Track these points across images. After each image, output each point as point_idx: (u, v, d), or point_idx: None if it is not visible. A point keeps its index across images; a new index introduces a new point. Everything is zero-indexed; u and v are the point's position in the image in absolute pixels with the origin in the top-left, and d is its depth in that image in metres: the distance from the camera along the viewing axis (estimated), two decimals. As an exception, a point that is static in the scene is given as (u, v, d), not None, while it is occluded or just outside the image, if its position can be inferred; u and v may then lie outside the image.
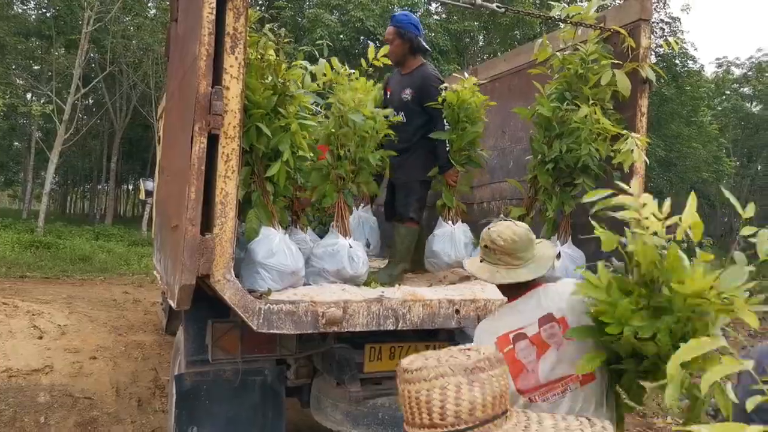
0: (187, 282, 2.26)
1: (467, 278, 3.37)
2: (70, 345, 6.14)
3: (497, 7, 3.14)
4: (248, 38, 2.53)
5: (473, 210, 4.51)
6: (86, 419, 4.30)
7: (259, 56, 2.80)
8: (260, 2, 19.93)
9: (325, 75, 3.17)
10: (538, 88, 3.35)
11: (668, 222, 1.61)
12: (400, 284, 3.26)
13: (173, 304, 2.55)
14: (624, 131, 2.95)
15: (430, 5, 21.79)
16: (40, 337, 6.30)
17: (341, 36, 18.30)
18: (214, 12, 2.30)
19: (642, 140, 2.89)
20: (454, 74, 3.63)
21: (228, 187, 2.34)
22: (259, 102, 2.70)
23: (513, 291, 1.98)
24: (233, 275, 2.36)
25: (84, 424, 4.24)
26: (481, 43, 23.83)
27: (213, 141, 2.34)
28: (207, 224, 2.35)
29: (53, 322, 7.01)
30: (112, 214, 27.47)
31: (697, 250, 1.52)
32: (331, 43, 3.57)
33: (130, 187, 40.02)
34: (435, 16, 21.46)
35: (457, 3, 3.33)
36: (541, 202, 3.32)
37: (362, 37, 18.75)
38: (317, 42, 3.67)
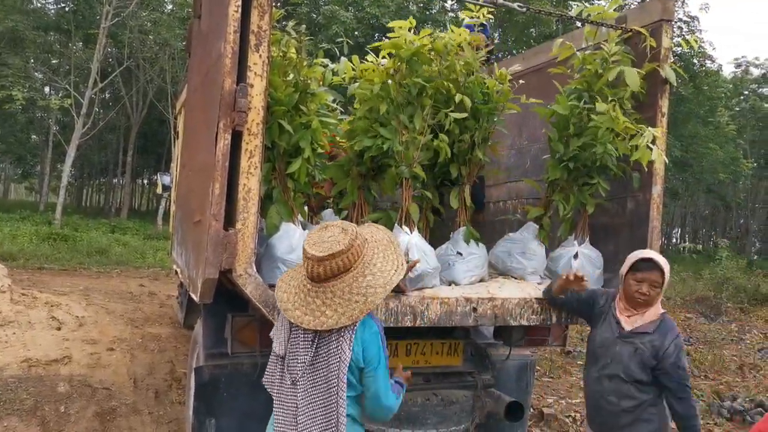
0: (211, 276, 2.30)
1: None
2: (87, 336, 6.24)
3: (519, 6, 3.14)
4: (271, 36, 2.55)
5: (489, 209, 4.52)
6: (105, 409, 4.37)
7: (281, 54, 2.83)
8: (276, -2, 19.96)
9: (345, 73, 3.19)
10: (557, 87, 3.35)
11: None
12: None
13: (195, 298, 2.59)
14: (641, 127, 2.93)
15: (446, 1, 21.78)
16: (59, 328, 6.41)
17: (356, 33, 18.33)
18: (240, 10, 2.33)
19: (657, 132, 2.87)
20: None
21: (250, 183, 2.37)
22: (281, 99, 2.73)
23: None
24: (255, 270, 2.40)
25: (103, 414, 4.31)
26: (496, 40, 23.73)
27: (236, 137, 2.37)
28: (229, 219, 2.38)
29: (71, 314, 7.13)
30: (128, 207, 27.77)
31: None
32: (350, 41, 3.57)
33: (146, 181, 40.38)
34: (450, 13, 21.42)
35: (477, 2, 3.33)
36: (558, 202, 3.31)
37: (377, 34, 18.75)
38: (338, 40, 3.68)
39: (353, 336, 1.98)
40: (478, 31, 3.79)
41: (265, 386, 2.15)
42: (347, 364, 1.96)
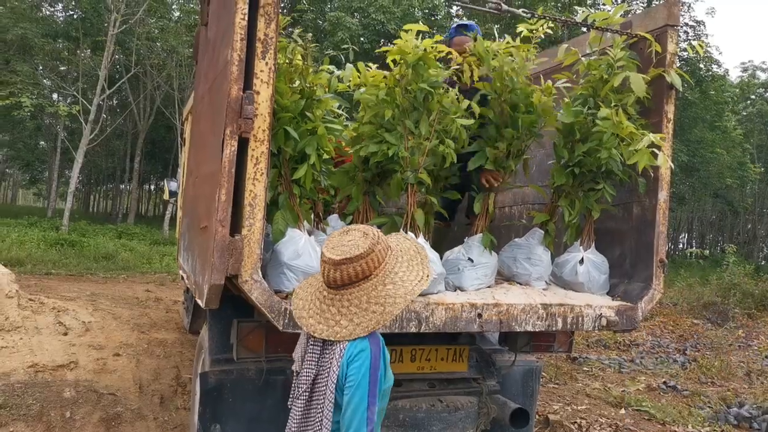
0: (217, 282, 2.31)
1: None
2: (94, 341, 6.26)
3: (524, 12, 3.15)
4: (277, 43, 2.56)
5: (495, 214, 4.51)
6: (110, 415, 4.38)
7: (287, 61, 2.85)
8: (282, 5, 20.10)
9: (351, 80, 3.20)
10: (562, 92, 3.35)
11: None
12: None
13: (201, 303, 2.60)
14: (645, 132, 2.92)
15: (451, 8, 21.82)
16: (65, 334, 6.44)
17: (362, 39, 18.40)
18: (246, 18, 2.35)
19: (657, 138, 2.86)
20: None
21: (257, 190, 2.38)
22: (287, 106, 2.74)
23: None
24: (260, 276, 2.40)
25: (108, 419, 4.32)
26: (501, 46, 23.73)
27: (243, 144, 2.38)
28: (235, 225, 2.39)
29: (78, 319, 7.16)
30: (135, 213, 27.89)
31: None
32: (356, 48, 3.57)
33: (152, 187, 40.57)
34: (456, 19, 21.48)
35: (482, 8, 3.33)
36: (563, 207, 3.30)
37: (383, 40, 18.83)
38: (343, 47, 3.68)
39: (344, 350, 1.80)
40: (462, 33, 3.77)
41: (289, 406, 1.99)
42: (335, 381, 1.79)
